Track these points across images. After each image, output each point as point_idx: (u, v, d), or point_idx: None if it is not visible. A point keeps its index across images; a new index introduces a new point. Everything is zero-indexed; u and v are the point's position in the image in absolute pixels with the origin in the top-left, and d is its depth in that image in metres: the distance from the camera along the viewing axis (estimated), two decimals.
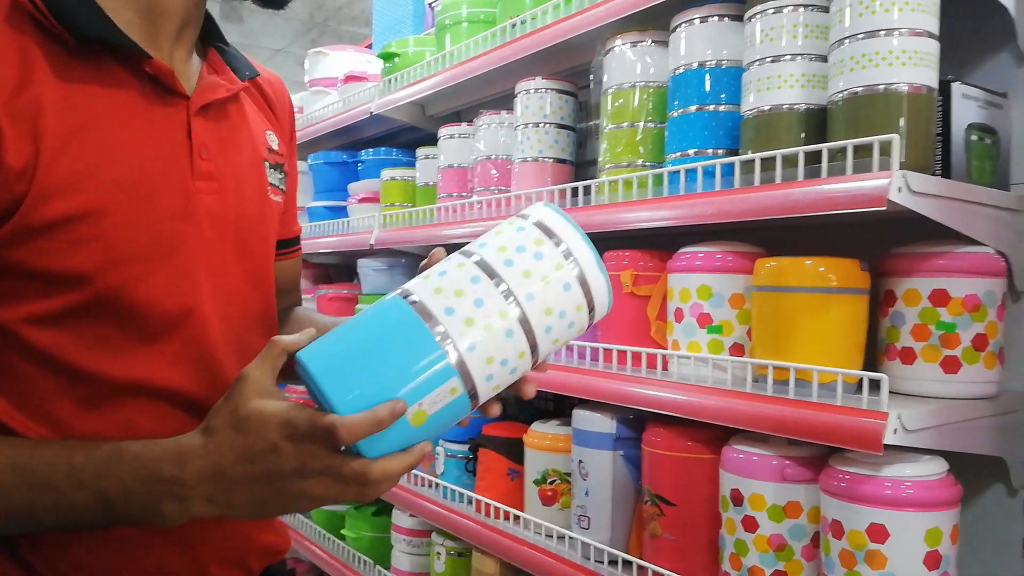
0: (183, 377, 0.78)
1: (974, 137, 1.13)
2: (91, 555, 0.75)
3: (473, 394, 0.68)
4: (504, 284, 0.68)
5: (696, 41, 1.30)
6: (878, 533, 0.99)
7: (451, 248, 0.77)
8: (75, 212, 0.69)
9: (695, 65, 1.30)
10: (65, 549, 0.74)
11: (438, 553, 1.91)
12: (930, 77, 1.05)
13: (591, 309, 0.73)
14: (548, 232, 0.71)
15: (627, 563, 1.38)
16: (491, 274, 0.69)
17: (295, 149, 1.06)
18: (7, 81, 0.66)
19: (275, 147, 0.95)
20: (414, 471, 1.99)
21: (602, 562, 1.43)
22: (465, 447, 1.86)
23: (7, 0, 0.69)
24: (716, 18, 1.28)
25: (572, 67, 1.73)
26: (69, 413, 0.73)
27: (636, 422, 1.44)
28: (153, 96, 0.77)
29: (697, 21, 1.29)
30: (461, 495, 1.83)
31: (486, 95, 2.07)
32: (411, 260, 2.32)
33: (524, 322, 0.68)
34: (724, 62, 1.28)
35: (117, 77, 0.74)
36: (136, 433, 0.72)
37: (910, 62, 1.03)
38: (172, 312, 0.77)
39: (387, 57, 2.22)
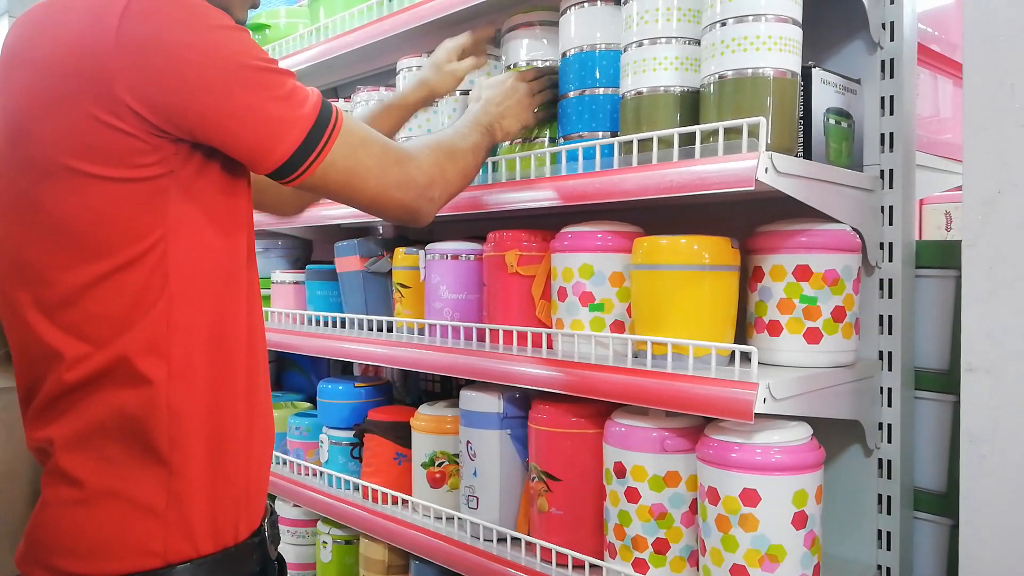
0: None
1: (832, 121, 1.20)
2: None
3: None
4: None
5: (581, 24, 1.31)
6: (750, 497, 1.05)
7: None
8: None
9: (584, 48, 1.31)
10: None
11: (324, 542, 1.87)
12: (794, 62, 1.10)
13: None
14: None
15: (516, 540, 1.40)
16: None
17: None
18: None
19: None
20: (297, 461, 1.94)
21: (491, 540, 1.44)
22: (350, 433, 1.82)
23: None
24: (600, 1, 1.29)
25: None
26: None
27: (523, 401, 1.45)
28: None
29: (586, 4, 1.30)
30: (347, 482, 1.79)
31: (364, 71, 2.01)
32: (287, 241, 2.23)
33: None
34: (603, 45, 1.29)
35: None
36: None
37: (776, 47, 1.07)
38: None
39: (257, 28, 2.11)
